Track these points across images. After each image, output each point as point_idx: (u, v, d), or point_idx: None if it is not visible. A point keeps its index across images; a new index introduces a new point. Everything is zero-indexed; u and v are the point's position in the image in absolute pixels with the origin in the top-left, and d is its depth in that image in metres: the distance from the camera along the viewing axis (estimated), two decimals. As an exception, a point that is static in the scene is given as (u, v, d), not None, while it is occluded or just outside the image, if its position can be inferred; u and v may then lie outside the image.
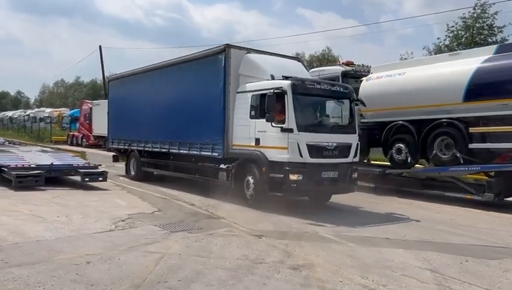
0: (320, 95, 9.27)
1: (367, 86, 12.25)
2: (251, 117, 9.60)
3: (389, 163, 12.49)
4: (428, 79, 10.95)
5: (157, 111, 13.03)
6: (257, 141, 9.35)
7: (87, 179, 11.67)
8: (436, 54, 31.89)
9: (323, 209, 9.79)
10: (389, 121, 11.92)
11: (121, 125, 15.30)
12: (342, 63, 14.72)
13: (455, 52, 13.67)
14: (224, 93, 10.16)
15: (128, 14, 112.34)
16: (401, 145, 11.67)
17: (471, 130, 10.26)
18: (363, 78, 12.66)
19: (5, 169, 11.06)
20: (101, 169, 12.43)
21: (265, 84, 9.37)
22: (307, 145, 8.69)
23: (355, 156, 9.53)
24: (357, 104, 10.07)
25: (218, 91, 10.35)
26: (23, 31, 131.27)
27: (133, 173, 14.74)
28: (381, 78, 12.12)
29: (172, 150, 12.24)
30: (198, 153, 11.12)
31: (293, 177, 8.60)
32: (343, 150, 9.24)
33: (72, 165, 12.28)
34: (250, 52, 10.44)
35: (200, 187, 11.82)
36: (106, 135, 29.11)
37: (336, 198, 10.19)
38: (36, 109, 56.00)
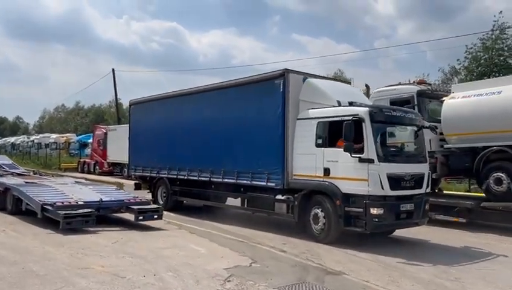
0: (395, 123, 8.72)
1: (451, 106, 10.87)
2: (317, 146, 8.97)
3: (468, 193, 11.47)
4: None
5: (194, 137, 12.28)
6: (326, 171, 8.70)
7: (141, 218, 10.31)
8: (452, 76, 31.16)
9: (414, 247, 9.02)
10: (483, 147, 10.46)
11: (147, 152, 14.45)
12: (414, 82, 13.96)
13: None
14: (283, 120, 9.53)
15: (125, 39, 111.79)
16: (502, 175, 10.19)
17: None
18: (444, 98, 11.40)
19: (50, 208, 9.50)
20: (154, 205, 11.38)
21: (336, 111, 8.80)
22: (388, 176, 8.10)
23: (427, 186, 8.98)
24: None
25: (275, 118, 9.72)
26: (21, 57, 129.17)
27: (161, 202, 13.83)
28: (469, 98, 10.73)
29: (215, 179, 11.48)
30: (249, 182, 10.38)
31: (374, 211, 7.95)
32: (418, 180, 8.67)
33: (123, 201, 10.94)
34: (307, 77, 9.91)
35: (256, 221, 11.11)
36: (121, 162, 29.03)
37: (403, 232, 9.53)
38: (40, 135, 53.80)
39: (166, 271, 6.51)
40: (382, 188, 8.01)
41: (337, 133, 8.79)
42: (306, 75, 9.94)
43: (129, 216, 10.59)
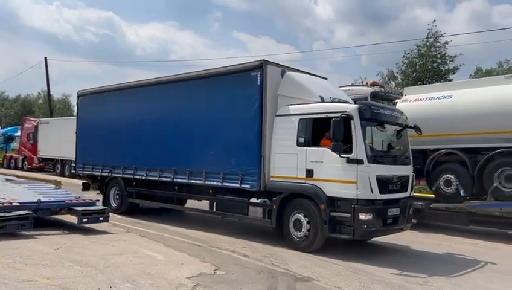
0: (383, 121, 8.22)
1: (403, 109, 10.71)
2: (299, 144, 8.25)
3: (418, 194, 11.48)
4: (486, 103, 9.91)
5: (155, 134, 11.12)
6: (309, 172, 8.01)
7: (85, 220, 9.18)
8: (389, 79, 32.92)
9: (375, 250, 8.64)
10: (434, 149, 10.75)
11: (98, 148, 13.01)
12: (368, 83, 13.73)
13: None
14: (261, 116, 8.72)
15: (56, 28, 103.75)
16: (451, 176, 10.45)
17: None
18: (396, 101, 11.62)
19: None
20: (100, 206, 10.09)
21: (321, 107, 8.13)
22: (377, 179, 7.53)
23: (412, 189, 8.58)
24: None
25: (251, 113, 8.89)
26: None
27: (114, 204, 12.54)
28: (421, 101, 10.97)
29: (179, 180, 10.41)
30: (219, 184, 9.46)
31: (363, 217, 7.36)
32: (403, 183, 8.24)
33: (64, 201, 9.61)
34: (285, 71, 9.15)
35: (209, 222, 10.65)
36: (55, 158, 26.88)
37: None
38: (-42, 127, 48.91)
39: (123, 282, 5.82)
40: (371, 191, 7.47)
41: (321, 131, 8.17)
42: (285, 68, 9.19)
43: (70, 218, 9.63)
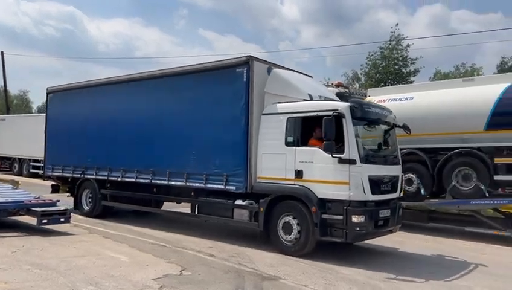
0: (374, 120, 7.98)
1: None
2: (287, 144, 7.92)
3: None
4: (445, 105, 10.24)
5: (132, 133, 10.53)
6: (299, 173, 7.69)
7: (45, 221, 8.75)
8: (353, 81, 33.35)
9: (362, 253, 8.42)
10: None
11: (69, 148, 12.29)
12: (332, 84, 13.61)
13: (469, 78, 13.03)
14: (247, 115, 8.34)
15: (14, 21, 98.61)
16: (412, 176, 10.69)
17: (496, 160, 9.68)
18: None
19: None
20: (61, 206, 9.51)
21: (311, 106, 7.84)
22: (369, 179, 7.30)
23: (401, 190, 8.41)
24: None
25: (237, 112, 8.49)
26: None
27: (86, 207, 11.88)
28: (384, 102, 10.96)
29: (158, 181, 9.89)
30: (202, 185, 9.01)
31: (355, 219, 7.09)
32: (394, 183, 8.06)
33: (22, 202, 9.11)
34: (271, 68, 8.81)
35: (175, 222, 10.65)
36: (12, 156, 25.53)
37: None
38: None
39: (86, 285, 5.62)
40: (364, 192, 7.21)
41: (311, 131, 7.89)
42: (271, 65, 8.85)
43: (30, 219, 9.18)
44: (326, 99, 8.43)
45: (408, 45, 25.32)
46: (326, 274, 6.65)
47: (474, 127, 9.90)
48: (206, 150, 9.03)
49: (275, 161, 8.03)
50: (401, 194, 8.44)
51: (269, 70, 8.70)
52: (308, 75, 10.06)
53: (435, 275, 6.89)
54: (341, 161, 7.20)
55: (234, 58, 8.81)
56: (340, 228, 7.22)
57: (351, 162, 7.15)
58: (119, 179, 10.77)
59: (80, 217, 11.24)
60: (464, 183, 10.18)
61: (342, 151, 7.25)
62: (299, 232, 7.62)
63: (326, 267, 7.05)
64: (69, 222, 9.28)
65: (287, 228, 7.76)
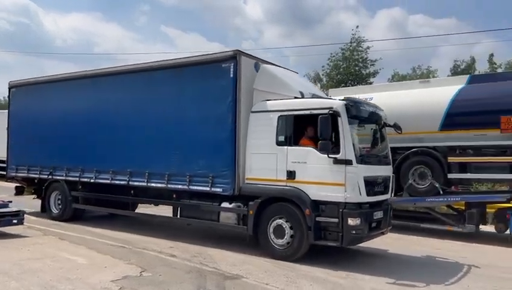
0: (367, 119, 7.72)
1: None
2: (279, 144, 7.54)
3: None
4: (403, 106, 10.22)
5: (107, 130, 9.83)
6: (291, 174, 7.33)
7: None
8: (315, 81, 33.83)
9: (353, 256, 8.16)
10: None
11: (35, 147, 11.43)
12: None
13: (425, 80, 13.46)
14: (234, 112, 7.90)
15: None
16: None
17: (450, 159, 9.99)
18: None
19: None
20: (13, 208, 8.86)
21: (304, 103, 7.49)
22: (364, 180, 7.04)
23: (392, 191, 8.23)
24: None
25: (223, 109, 8.04)
26: None
27: (55, 211, 11.10)
28: None
29: (136, 183, 9.28)
30: (185, 187, 8.49)
31: (351, 222, 6.80)
32: (386, 184, 7.85)
33: None
34: (258, 63, 8.39)
35: (135, 223, 10.46)
36: None
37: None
38: None
39: (41, 289, 5.45)
40: (360, 194, 6.93)
41: (302, 130, 7.55)
42: (258, 60, 8.43)
43: None
44: (317, 97, 8.12)
45: (368, 47, 25.78)
46: (287, 272, 6.63)
47: (429, 127, 10.13)
48: (189, 150, 8.52)
49: (265, 161, 7.63)
50: (392, 195, 8.25)
51: (256, 66, 8.29)
52: (294, 71, 9.73)
53: (388, 269, 7.01)
54: (337, 162, 6.89)
55: (220, 53, 8.35)
56: (335, 231, 6.92)
57: (347, 162, 6.85)
58: (92, 181, 10.08)
59: (34, 218, 10.75)
60: (420, 181, 10.40)
61: (337, 151, 6.94)
62: (291, 236, 7.26)
63: (289, 266, 6.98)
64: (22, 223, 8.86)
65: (279, 231, 7.38)
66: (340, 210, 6.85)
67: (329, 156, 6.85)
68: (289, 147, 7.42)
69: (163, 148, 8.90)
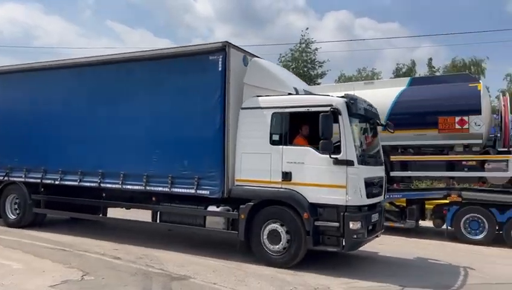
0: (365, 117, 7.40)
1: None
2: (273, 143, 7.05)
3: None
4: None
5: (76, 127, 8.89)
6: (286, 175, 6.86)
7: None
8: None
9: (348, 260, 7.85)
10: None
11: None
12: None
13: (369, 81, 14.03)
14: (223, 108, 7.32)
15: None
16: None
17: (392, 158, 10.26)
18: None
19: None
20: None
21: (301, 100, 7.08)
22: (365, 181, 6.71)
23: (385, 192, 7.98)
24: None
25: (211, 105, 7.44)
26: None
27: (12, 216, 9.97)
28: None
29: (108, 185, 8.46)
30: (166, 189, 7.79)
31: (353, 225, 6.44)
32: (381, 185, 7.58)
33: None
34: (247, 56, 7.85)
35: (77, 225, 9.98)
36: None
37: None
38: None
39: None
40: (361, 196, 6.58)
41: (296, 128, 7.12)
42: (246, 54, 7.89)
43: None
44: (310, 94, 7.71)
45: (316, 49, 26.08)
46: (235, 271, 6.57)
47: None
48: (171, 149, 7.84)
49: (258, 161, 7.12)
50: (385, 196, 8.01)
51: (245, 60, 7.75)
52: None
53: (337, 266, 7.03)
54: (337, 162, 6.50)
55: (207, 44, 7.73)
56: (335, 236, 6.54)
57: (349, 163, 6.49)
58: (56, 183, 9.10)
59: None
60: None
61: (337, 151, 6.55)
62: (288, 241, 6.79)
63: (237, 265, 6.88)
64: None
65: (274, 236, 6.88)
66: (341, 213, 6.47)
67: (331, 156, 6.44)
68: (284, 147, 6.95)
69: (141, 147, 8.15)
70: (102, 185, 8.50)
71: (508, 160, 9.49)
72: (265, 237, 6.95)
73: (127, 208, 9.43)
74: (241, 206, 7.12)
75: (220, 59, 7.37)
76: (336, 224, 6.49)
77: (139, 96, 8.23)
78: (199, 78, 7.64)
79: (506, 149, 9.96)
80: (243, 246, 7.38)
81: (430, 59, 27.07)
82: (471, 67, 24.72)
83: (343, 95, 6.91)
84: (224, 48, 7.37)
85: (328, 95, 7.52)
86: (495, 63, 41.66)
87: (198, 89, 7.64)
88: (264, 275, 6.42)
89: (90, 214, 9.47)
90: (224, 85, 7.32)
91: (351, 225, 6.42)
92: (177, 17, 69.13)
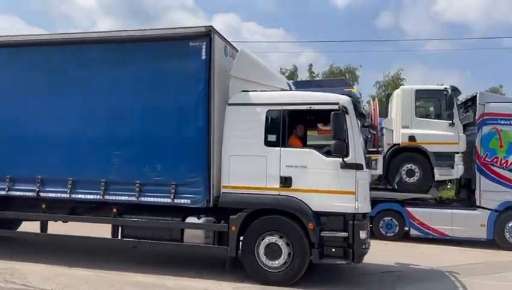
0: (363, 116, 6.91)
1: None
2: (268, 144, 6.22)
3: None
4: None
5: (8, 121, 7.09)
6: (286, 180, 6.06)
7: None
8: None
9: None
10: None
11: None
12: None
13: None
14: (207, 104, 6.29)
15: None
16: None
17: None
18: None
19: None
20: None
21: (303, 97, 6.41)
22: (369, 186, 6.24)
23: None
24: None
25: (192, 99, 6.36)
26: None
27: None
28: None
29: (52, 194, 6.80)
30: (133, 199, 6.47)
31: (363, 235, 5.91)
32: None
33: None
34: (227, 46, 6.92)
35: None
36: None
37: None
38: None
39: None
40: (368, 203, 6.10)
41: (290, 128, 6.42)
42: (227, 44, 6.95)
43: None
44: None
45: None
46: (113, 282, 6.02)
47: None
48: (139, 150, 6.55)
49: (250, 164, 6.23)
50: None
51: (226, 50, 6.83)
52: None
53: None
54: (346, 166, 5.91)
55: (186, 28, 6.62)
56: (341, 247, 5.93)
57: (358, 167, 5.94)
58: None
59: None
60: None
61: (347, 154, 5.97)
62: (289, 255, 6.00)
63: (115, 273, 6.36)
64: None
65: (272, 251, 6.02)
66: (350, 222, 5.89)
67: (344, 160, 5.83)
68: (283, 149, 6.16)
69: (97, 146, 6.69)
70: (41, 194, 6.82)
71: (377, 159, 9.99)
72: (261, 251, 6.07)
73: (64, 221, 7.73)
74: (231, 217, 6.16)
75: (204, 46, 6.34)
76: (344, 234, 5.88)
77: (96, 86, 6.76)
78: (176, 67, 6.50)
79: (375, 149, 10.55)
80: (231, 263, 6.37)
81: (311, 65, 28.51)
82: (346, 74, 26.20)
83: (346, 91, 6.36)
84: (209, 34, 6.35)
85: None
86: (367, 71, 45.46)
87: (174, 80, 6.50)
88: (144, 282, 6.02)
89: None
90: (208, 77, 6.29)
91: (361, 235, 5.88)
92: (53, 5, 62.69)
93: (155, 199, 6.41)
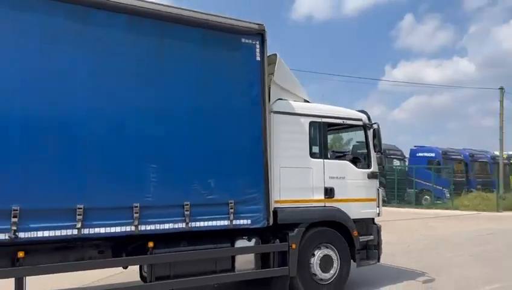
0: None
1: None
2: (313, 156, 6.16)
3: None
4: None
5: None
6: (329, 191, 6.20)
7: None
8: None
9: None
10: None
11: None
12: None
13: None
14: (262, 108, 5.63)
15: None
16: None
17: None
18: None
19: None
20: None
21: (339, 111, 6.70)
22: None
23: None
24: None
25: (246, 103, 5.55)
26: None
27: None
28: None
29: (36, 233, 4.23)
30: (181, 225, 4.93)
31: (382, 237, 6.79)
32: None
33: None
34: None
35: None
36: None
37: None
38: None
39: None
40: None
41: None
42: None
43: None
44: None
45: None
46: None
47: None
48: (186, 163, 5.07)
49: (299, 177, 6.01)
50: None
51: None
52: None
53: None
54: (372, 176, 6.67)
55: (238, 20, 5.59)
56: (373, 250, 6.63)
57: (377, 176, 6.81)
58: None
59: None
60: None
61: (368, 166, 6.73)
62: (338, 265, 6.13)
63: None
64: None
65: (325, 263, 6.00)
66: (375, 226, 6.69)
67: (371, 171, 6.60)
68: (326, 160, 6.28)
69: (125, 160, 4.70)
70: (18, 233, 4.13)
71: None
72: (316, 265, 5.94)
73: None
74: (290, 234, 5.73)
75: (258, 46, 5.66)
76: (373, 237, 6.60)
77: (134, 80, 4.78)
78: (225, 63, 5.46)
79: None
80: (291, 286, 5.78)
81: None
82: None
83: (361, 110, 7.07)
84: (261, 33, 5.70)
85: None
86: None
87: (223, 78, 5.44)
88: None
89: None
90: (262, 78, 5.65)
91: (382, 236, 6.75)
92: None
93: (210, 223, 5.14)
